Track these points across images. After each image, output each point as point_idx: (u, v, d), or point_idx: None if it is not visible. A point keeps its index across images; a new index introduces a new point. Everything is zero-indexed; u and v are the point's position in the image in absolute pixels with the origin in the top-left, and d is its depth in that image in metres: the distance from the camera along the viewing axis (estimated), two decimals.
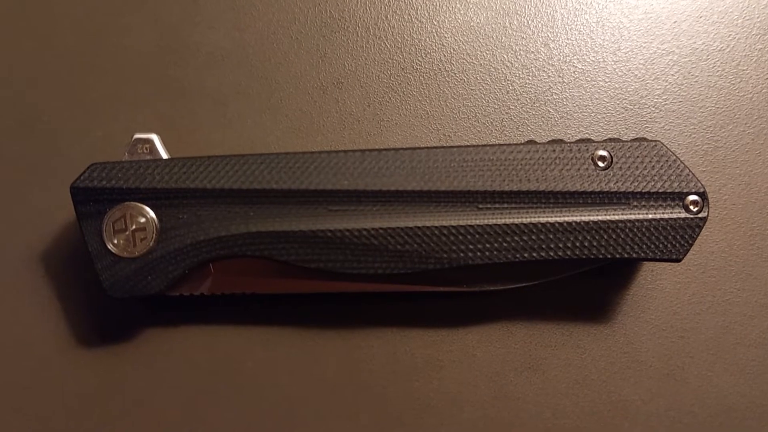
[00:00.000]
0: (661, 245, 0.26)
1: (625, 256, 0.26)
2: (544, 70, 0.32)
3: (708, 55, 0.32)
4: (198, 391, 0.29)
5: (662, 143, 0.27)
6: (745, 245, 0.30)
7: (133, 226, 0.27)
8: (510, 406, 0.29)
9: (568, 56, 0.32)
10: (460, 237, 0.26)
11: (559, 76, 0.32)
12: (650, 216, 0.26)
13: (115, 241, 0.27)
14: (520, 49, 0.32)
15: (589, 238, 0.26)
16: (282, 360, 0.29)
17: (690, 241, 0.26)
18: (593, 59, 0.32)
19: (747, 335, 0.30)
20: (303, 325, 0.30)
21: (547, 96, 0.31)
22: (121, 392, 0.29)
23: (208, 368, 0.29)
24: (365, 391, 0.29)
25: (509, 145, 0.27)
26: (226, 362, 0.29)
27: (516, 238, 0.26)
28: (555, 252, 0.26)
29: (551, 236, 0.26)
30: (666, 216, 0.26)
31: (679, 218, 0.26)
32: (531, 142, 0.27)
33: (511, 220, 0.26)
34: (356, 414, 0.29)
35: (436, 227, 0.26)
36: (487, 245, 0.26)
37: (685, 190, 0.26)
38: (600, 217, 0.26)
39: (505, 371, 0.29)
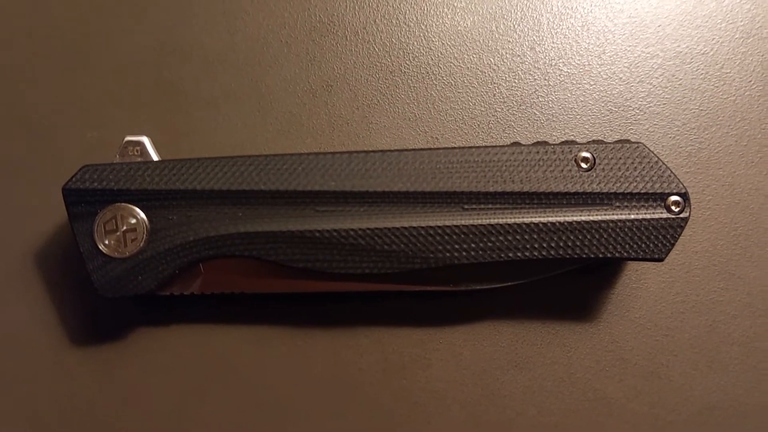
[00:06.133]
0: (643, 245, 0.27)
1: (608, 255, 0.27)
2: (530, 74, 0.32)
3: (692, 59, 0.32)
4: (188, 390, 0.30)
5: (644, 145, 0.27)
6: (728, 245, 0.31)
7: (124, 227, 0.27)
8: (496, 404, 0.30)
9: (554, 60, 0.32)
10: (446, 237, 0.27)
11: (545, 80, 0.32)
12: (632, 216, 0.27)
13: (106, 242, 0.27)
14: (506, 53, 0.32)
15: (572, 238, 0.27)
16: (271, 359, 0.30)
17: (672, 241, 0.27)
18: (578, 63, 0.32)
19: (730, 334, 0.30)
20: (292, 324, 0.30)
21: (533, 99, 0.32)
22: (112, 391, 0.30)
23: (199, 367, 0.30)
24: (353, 390, 0.30)
25: (494, 147, 0.27)
26: (216, 361, 0.30)
27: (501, 238, 0.27)
28: (539, 252, 0.27)
29: (535, 236, 0.27)
30: (648, 216, 0.27)
31: (661, 218, 0.27)
32: (515, 144, 0.28)
33: (496, 221, 0.27)
34: (345, 412, 0.30)
35: (422, 227, 0.27)
36: (473, 245, 0.27)
37: (666, 191, 0.27)
38: (583, 218, 0.27)
39: (491, 369, 0.30)
